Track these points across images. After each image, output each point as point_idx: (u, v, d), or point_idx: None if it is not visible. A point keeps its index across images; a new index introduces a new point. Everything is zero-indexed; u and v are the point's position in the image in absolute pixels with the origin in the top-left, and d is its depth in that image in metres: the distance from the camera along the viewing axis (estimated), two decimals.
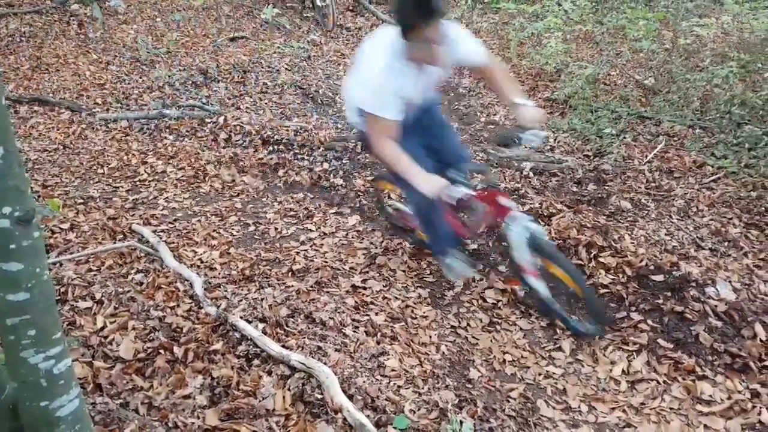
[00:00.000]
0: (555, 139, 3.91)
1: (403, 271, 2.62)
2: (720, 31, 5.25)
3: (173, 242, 2.73)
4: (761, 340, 2.13)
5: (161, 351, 1.95)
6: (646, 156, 3.58)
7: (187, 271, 2.39)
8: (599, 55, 5.23)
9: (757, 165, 3.35)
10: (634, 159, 3.55)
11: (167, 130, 4.07)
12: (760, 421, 1.84)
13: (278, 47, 5.89)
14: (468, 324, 2.31)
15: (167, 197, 3.22)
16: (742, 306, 2.26)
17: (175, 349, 1.95)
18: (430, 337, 2.21)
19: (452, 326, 2.29)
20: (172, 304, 2.22)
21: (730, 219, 2.94)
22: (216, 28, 6.39)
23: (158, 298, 2.24)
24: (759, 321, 2.20)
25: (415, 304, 2.41)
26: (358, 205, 3.19)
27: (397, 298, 2.43)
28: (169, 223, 2.95)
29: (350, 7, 7.46)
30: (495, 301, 2.43)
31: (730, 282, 2.40)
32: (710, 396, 1.94)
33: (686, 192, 3.16)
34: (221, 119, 4.07)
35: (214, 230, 2.88)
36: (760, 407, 1.88)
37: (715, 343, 2.12)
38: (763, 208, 2.99)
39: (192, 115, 4.25)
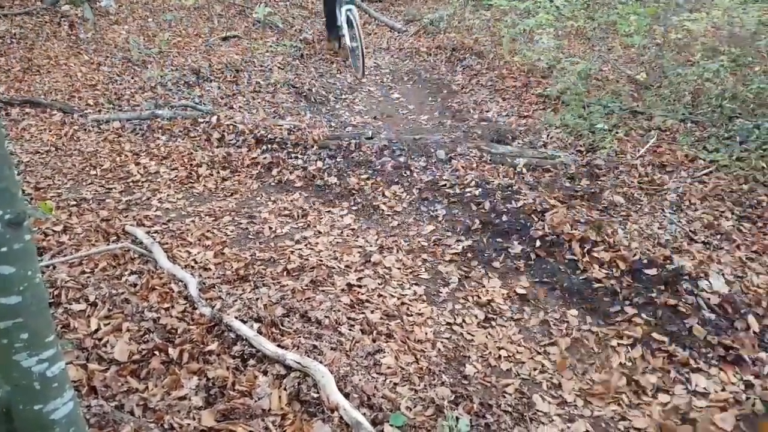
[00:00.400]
0: (548, 135, 3.91)
1: (399, 268, 2.63)
2: (710, 25, 5.27)
3: (167, 243, 2.72)
4: (754, 332, 2.15)
5: (156, 352, 1.94)
6: (639, 150, 3.59)
7: (181, 272, 2.38)
8: (591, 50, 5.25)
9: (749, 158, 3.38)
10: (627, 154, 3.56)
11: (160, 131, 4.05)
12: (753, 413, 1.86)
13: (271, 46, 5.87)
14: (463, 320, 2.31)
15: (160, 198, 3.21)
16: (734, 298, 2.28)
17: (170, 350, 1.95)
18: (426, 334, 2.21)
19: (448, 323, 2.29)
20: (166, 305, 2.21)
21: (723, 212, 2.96)
22: (208, 28, 6.36)
23: (152, 300, 2.24)
24: (752, 313, 2.22)
25: (410, 301, 2.41)
26: (352, 204, 3.19)
27: (392, 295, 2.43)
28: (163, 223, 2.93)
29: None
30: (490, 298, 2.44)
31: (723, 275, 2.42)
32: (704, 388, 1.96)
33: (679, 186, 3.17)
34: (214, 119, 4.06)
35: (208, 230, 2.87)
36: (754, 398, 1.90)
37: (708, 336, 2.14)
38: (755, 201, 3.02)
39: (184, 115, 4.23)
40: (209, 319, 2.11)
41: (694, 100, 4.21)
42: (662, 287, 2.37)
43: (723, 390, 1.95)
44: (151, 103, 4.48)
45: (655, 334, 2.17)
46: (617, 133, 3.80)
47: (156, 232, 2.84)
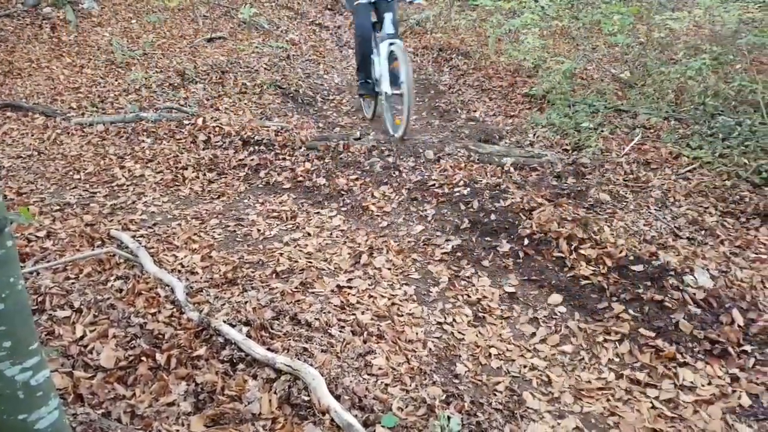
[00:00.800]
0: (534, 134, 3.94)
1: (389, 269, 2.62)
2: (692, 24, 5.36)
3: (153, 247, 2.69)
4: (739, 326, 2.18)
5: (143, 358, 1.91)
6: (624, 148, 3.63)
7: (168, 276, 2.35)
8: (576, 50, 5.30)
9: (731, 154, 3.43)
10: (612, 152, 3.60)
11: (145, 133, 4.00)
12: (740, 405, 1.88)
13: (257, 47, 5.84)
14: (454, 319, 2.32)
15: (146, 201, 3.17)
16: (719, 293, 2.32)
17: (158, 356, 1.92)
18: (417, 333, 2.21)
19: (438, 322, 2.30)
20: (153, 310, 2.18)
21: (707, 208, 3.00)
22: (193, 29, 6.31)
23: (139, 305, 2.21)
24: (736, 307, 2.25)
25: (401, 301, 2.41)
26: (341, 205, 3.18)
27: (382, 296, 2.42)
28: (149, 227, 2.90)
29: (328, 6, 7.42)
30: (480, 296, 2.45)
31: (707, 270, 2.46)
32: (692, 382, 1.98)
33: (663, 183, 3.21)
34: (200, 121, 4.02)
35: (194, 233, 2.84)
36: (740, 392, 1.92)
37: (694, 330, 2.17)
38: (738, 197, 3.07)
39: (170, 117, 4.19)
40: (197, 324, 2.09)
41: (678, 97, 4.27)
42: (648, 283, 2.39)
43: (709, 384, 1.97)
44: (135, 106, 4.43)
45: (642, 330, 2.19)
46: (602, 131, 3.84)
47: (141, 236, 2.80)
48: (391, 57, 3.76)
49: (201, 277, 2.44)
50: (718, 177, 3.25)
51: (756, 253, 2.65)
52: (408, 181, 3.34)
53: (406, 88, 3.49)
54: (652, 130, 3.88)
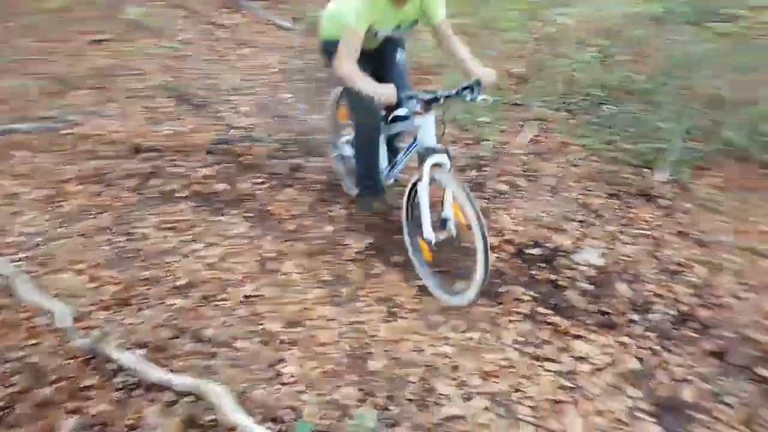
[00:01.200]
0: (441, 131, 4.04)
1: (299, 272, 2.56)
2: (582, 19, 5.76)
3: (34, 270, 2.42)
4: (626, 297, 2.39)
5: (25, 395, 1.73)
6: (519, 140, 3.83)
7: (50, 302, 2.13)
8: (475, 47, 5.51)
9: (615, 141, 3.74)
10: (509, 144, 3.79)
11: (18, 147, 3.60)
12: (629, 369, 2.05)
13: (147, 48, 5.48)
14: (367, 318, 2.31)
15: (23, 221, 2.85)
16: (608, 269, 2.52)
17: (42, 390, 1.75)
18: (330, 336, 2.18)
19: (351, 322, 2.28)
20: (33, 341, 1.97)
21: (595, 192, 3.24)
22: (75, 31, 5.79)
23: (17, 337, 1.99)
24: (622, 280, 2.46)
25: (312, 305, 2.36)
26: (245, 210, 3.06)
27: (293, 302, 2.36)
28: (27, 249, 2.61)
29: (226, 4, 7.13)
30: (391, 292, 2.46)
31: (596, 248, 2.66)
32: (587, 353, 2.13)
33: (556, 171, 3.43)
34: (83, 129, 3.70)
35: (79, 252, 2.59)
36: (629, 356, 2.09)
37: (588, 305, 2.34)
38: (621, 179, 3.35)
39: (48, 127, 3.81)
40: (85, 351, 1.91)
41: (568, 89, 4.58)
42: (543, 264, 2.55)
43: (603, 353, 2.13)
44: (7, 117, 3.97)
45: (540, 309, 2.33)
46: (500, 125, 4.02)
47: (20, 259, 2.52)
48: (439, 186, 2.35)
49: (88, 300, 2.23)
50: (605, 162, 3.53)
51: (638, 230, 2.91)
52: (316, 181, 3.29)
53: (480, 242, 2.16)
54: (545, 122, 4.13)
